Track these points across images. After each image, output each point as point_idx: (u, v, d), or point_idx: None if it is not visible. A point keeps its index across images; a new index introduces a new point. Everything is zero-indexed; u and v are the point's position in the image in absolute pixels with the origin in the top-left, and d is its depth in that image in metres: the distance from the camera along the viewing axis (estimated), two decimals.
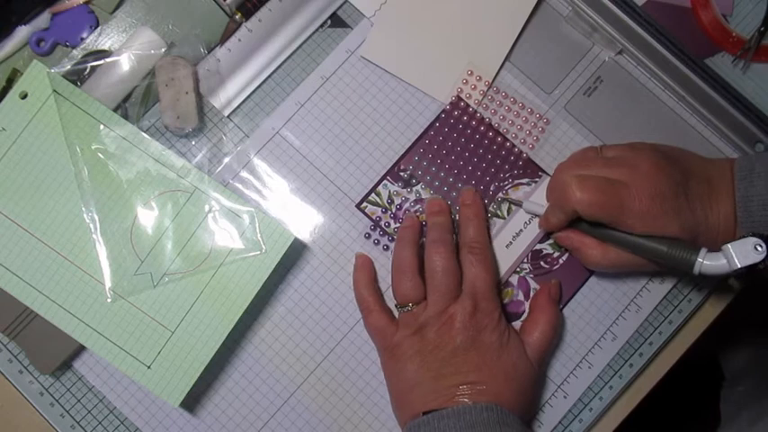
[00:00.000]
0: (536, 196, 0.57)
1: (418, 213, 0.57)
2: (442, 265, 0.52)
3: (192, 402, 0.54)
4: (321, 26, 0.59)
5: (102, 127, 0.54)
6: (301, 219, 0.57)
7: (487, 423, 0.47)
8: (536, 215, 0.57)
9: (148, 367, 0.52)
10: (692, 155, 0.54)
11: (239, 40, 0.58)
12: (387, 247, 0.57)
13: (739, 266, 0.47)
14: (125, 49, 0.57)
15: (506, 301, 0.56)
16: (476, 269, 0.52)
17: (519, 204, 0.57)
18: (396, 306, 0.54)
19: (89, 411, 0.54)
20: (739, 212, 0.50)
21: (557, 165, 0.57)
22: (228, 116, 0.58)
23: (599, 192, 0.50)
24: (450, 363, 0.50)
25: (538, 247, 0.57)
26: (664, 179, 0.50)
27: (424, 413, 0.49)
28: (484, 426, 0.47)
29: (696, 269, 0.49)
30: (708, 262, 0.48)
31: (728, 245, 0.48)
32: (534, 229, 0.57)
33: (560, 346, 0.56)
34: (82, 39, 0.57)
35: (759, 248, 0.47)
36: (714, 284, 0.57)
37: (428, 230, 0.55)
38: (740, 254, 0.47)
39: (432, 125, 0.58)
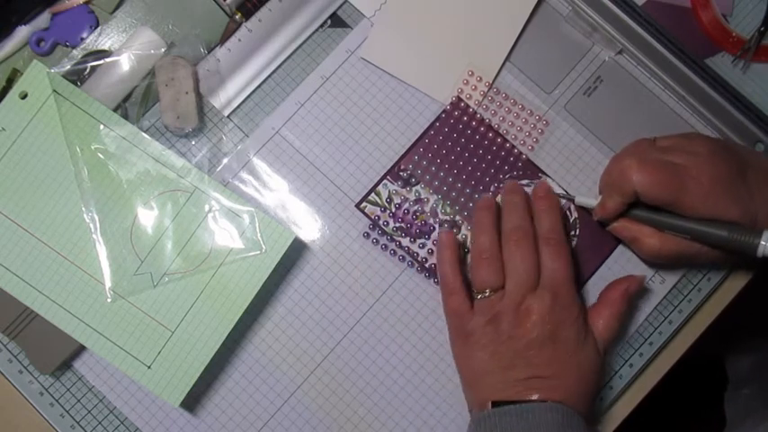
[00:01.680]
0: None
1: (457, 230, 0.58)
2: (521, 253, 0.52)
3: (192, 402, 0.55)
4: (321, 26, 0.60)
5: (102, 127, 0.55)
6: (301, 218, 0.58)
7: (550, 425, 0.48)
8: (589, 208, 0.57)
9: (149, 367, 0.52)
10: (744, 147, 0.55)
11: (239, 40, 0.59)
12: (385, 247, 0.57)
13: None
14: (125, 49, 0.57)
15: None
16: (553, 262, 0.52)
17: (572, 199, 0.57)
18: (473, 291, 0.54)
19: (89, 411, 0.55)
20: None
21: (560, 167, 0.59)
22: (228, 116, 0.58)
23: (660, 171, 0.50)
24: (522, 355, 0.51)
25: None
26: (722, 164, 0.51)
27: (493, 403, 0.50)
28: (546, 427, 0.48)
29: (760, 252, 0.49)
30: None
31: None
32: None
33: None
34: (82, 39, 0.58)
35: None
36: (714, 285, 0.58)
37: (504, 213, 0.55)
38: None
39: (432, 125, 0.59)
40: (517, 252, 0.52)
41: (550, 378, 0.50)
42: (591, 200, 0.56)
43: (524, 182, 0.58)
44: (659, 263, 0.57)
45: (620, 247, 0.58)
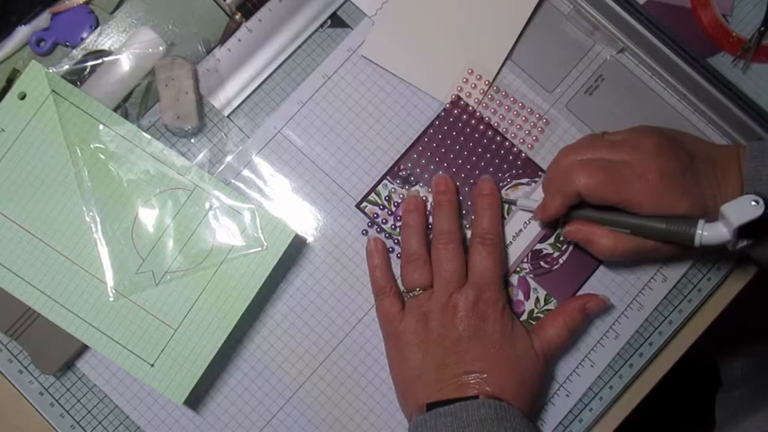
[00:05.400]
0: (535, 195, 0.61)
1: (420, 193, 0.61)
2: (447, 256, 0.57)
3: (194, 401, 0.58)
4: (321, 26, 0.63)
5: (101, 126, 0.58)
6: (303, 217, 0.61)
7: (484, 420, 0.51)
8: (531, 211, 0.60)
9: (152, 365, 0.56)
10: (695, 137, 0.57)
11: (239, 40, 0.62)
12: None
13: (738, 225, 0.49)
14: (125, 48, 0.61)
15: None
16: (484, 260, 0.57)
17: (513, 203, 0.61)
18: (403, 291, 0.59)
19: (89, 411, 0.59)
20: (747, 191, 0.53)
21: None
22: (228, 116, 0.62)
23: (602, 171, 0.53)
24: (453, 352, 0.55)
25: (537, 246, 0.61)
26: (668, 158, 0.53)
27: (428, 405, 0.53)
28: (480, 423, 0.51)
29: (697, 241, 0.52)
30: (707, 232, 0.51)
31: (724, 205, 0.50)
32: (534, 229, 0.61)
33: None
34: (82, 39, 0.61)
35: (755, 203, 0.49)
36: (714, 285, 0.61)
37: (435, 213, 0.60)
38: (737, 212, 0.49)
39: (431, 124, 0.63)
40: (444, 254, 0.57)
41: (481, 372, 0.54)
42: (533, 203, 0.60)
43: (524, 180, 0.62)
44: (616, 261, 0.60)
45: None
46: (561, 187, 0.55)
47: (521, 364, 0.55)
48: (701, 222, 0.52)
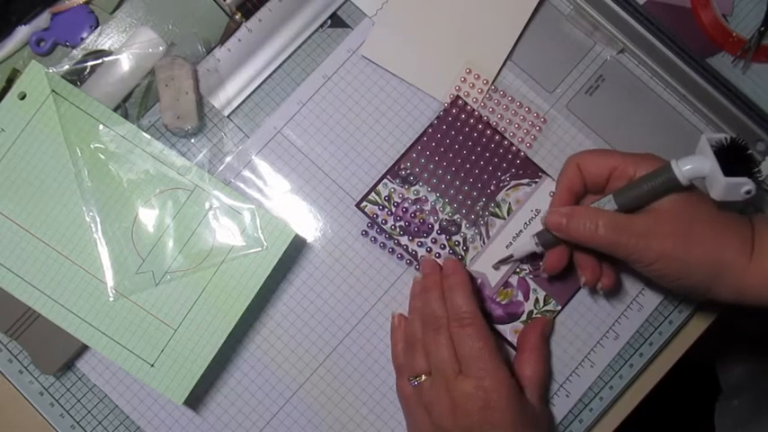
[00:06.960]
0: (536, 196, 0.62)
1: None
2: (437, 342, 0.55)
3: (194, 401, 0.58)
4: (321, 26, 0.64)
5: (101, 126, 0.58)
6: (303, 217, 0.61)
7: None
8: (531, 252, 0.59)
9: (152, 365, 0.56)
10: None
11: (239, 40, 0.63)
12: (384, 245, 0.61)
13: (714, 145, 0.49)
14: (125, 48, 0.61)
15: (505, 301, 0.61)
16: (471, 344, 0.54)
17: (508, 258, 0.61)
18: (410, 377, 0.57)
19: (89, 411, 0.59)
20: None
21: (558, 163, 0.62)
22: (228, 116, 0.62)
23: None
24: None
25: None
26: (693, 205, 0.52)
27: None
28: None
29: (681, 178, 0.49)
30: (688, 166, 0.49)
31: (702, 135, 0.50)
32: (534, 230, 0.61)
33: (563, 345, 0.61)
34: (82, 39, 0.62)
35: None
36: None
37: (421, 297, 0.58)
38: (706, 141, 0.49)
39: (431, 124, 0.63)
40: (434, 342, 0.55)
41: None
42: (528, 243, 0.58)
43: (525, 181, 0.63)
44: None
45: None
46: (560, 172, 0.57)
47: None
48: (673, 162, 0.50)
